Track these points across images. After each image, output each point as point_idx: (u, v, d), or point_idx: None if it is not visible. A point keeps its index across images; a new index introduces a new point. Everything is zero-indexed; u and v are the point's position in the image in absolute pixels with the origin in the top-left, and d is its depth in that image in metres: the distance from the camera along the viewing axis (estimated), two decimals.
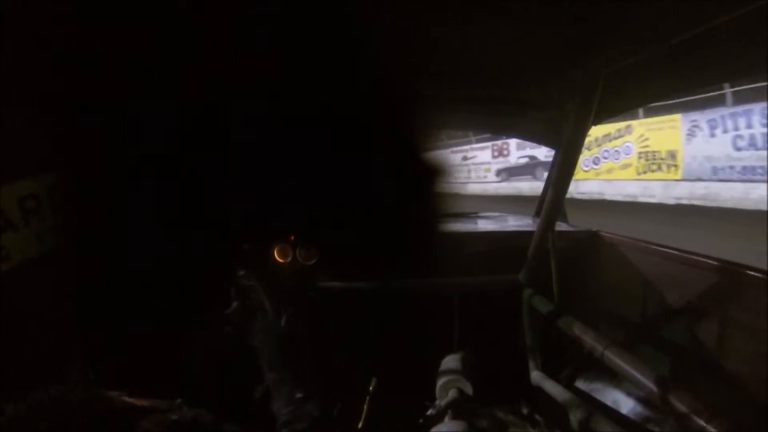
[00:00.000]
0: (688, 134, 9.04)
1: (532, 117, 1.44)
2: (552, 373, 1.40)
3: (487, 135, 13.67)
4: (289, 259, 1.41)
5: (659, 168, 9.73)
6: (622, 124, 10.37)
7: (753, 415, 0.80)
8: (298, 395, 0.73)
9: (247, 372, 1.03)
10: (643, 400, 1.03)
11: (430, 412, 1.09)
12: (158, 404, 0.39)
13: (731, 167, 8.28)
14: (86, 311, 0.35)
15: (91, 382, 0.37)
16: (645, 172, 10.07)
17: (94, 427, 0.33)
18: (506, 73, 1.11)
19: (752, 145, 7.96)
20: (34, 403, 0.31)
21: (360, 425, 1.07)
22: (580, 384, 1.32)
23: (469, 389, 1.14)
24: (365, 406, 1.19)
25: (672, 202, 9.02)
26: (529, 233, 1.40)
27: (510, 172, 14.41)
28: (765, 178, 7.13)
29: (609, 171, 11.07)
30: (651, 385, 0.83)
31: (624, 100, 1.19)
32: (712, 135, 8.62)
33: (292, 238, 1.39)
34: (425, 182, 0.45)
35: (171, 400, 0.42)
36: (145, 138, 0.34)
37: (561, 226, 1.56)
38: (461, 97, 1.33)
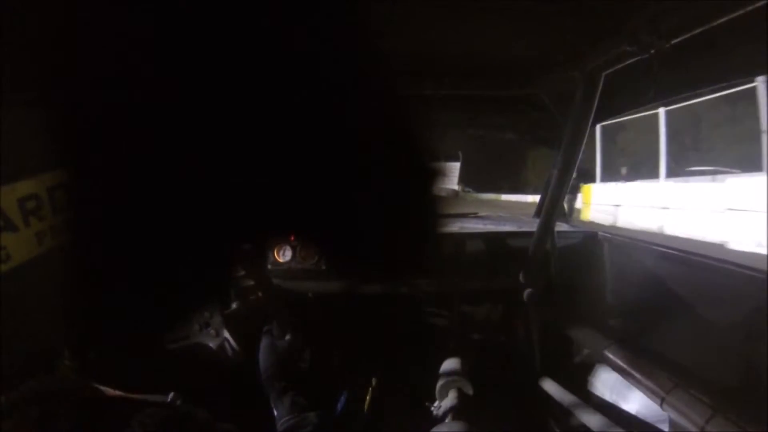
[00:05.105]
0: None
1: (532, 117, 1.44)
2: (552, 373, 1.40)
3: None
4: (289, 259, 1.41)
5: None
6: None
7: (753, 416, 0.80)
8: (299, 404, 0.74)
9: (244, 372, 1.03)
10: (644, 399, 1.02)
11: (431, 412, 1.09)
12: (151, 398, 0.39)
13: None
14: (84, 309, 0.35)
15: (85, 376, 0.37)
16: None
17: (84, 416, 0.33)
18: (506, 73, 1.11)
19: None
20: (26, 392, 0.31)
21: (361, 426, 1.07)
22: (580, 383, 1.32)
23: (469, 389, 1.14)
24: (366, 407, 1.19)
25: None
26: (529, 233, 1.40)
27: None
28: None
29: None
30: (651, 385, 0.83)
31: (624, 100, 1.19)
32: None
33: (292, 238, 1.39)
34: (425, 183, 0.45)
35: (164, 395, 0.42)
36: (145, 137, 0.34)
37: (561, 226, 1.55)
38: (461, 97, 1.33)
